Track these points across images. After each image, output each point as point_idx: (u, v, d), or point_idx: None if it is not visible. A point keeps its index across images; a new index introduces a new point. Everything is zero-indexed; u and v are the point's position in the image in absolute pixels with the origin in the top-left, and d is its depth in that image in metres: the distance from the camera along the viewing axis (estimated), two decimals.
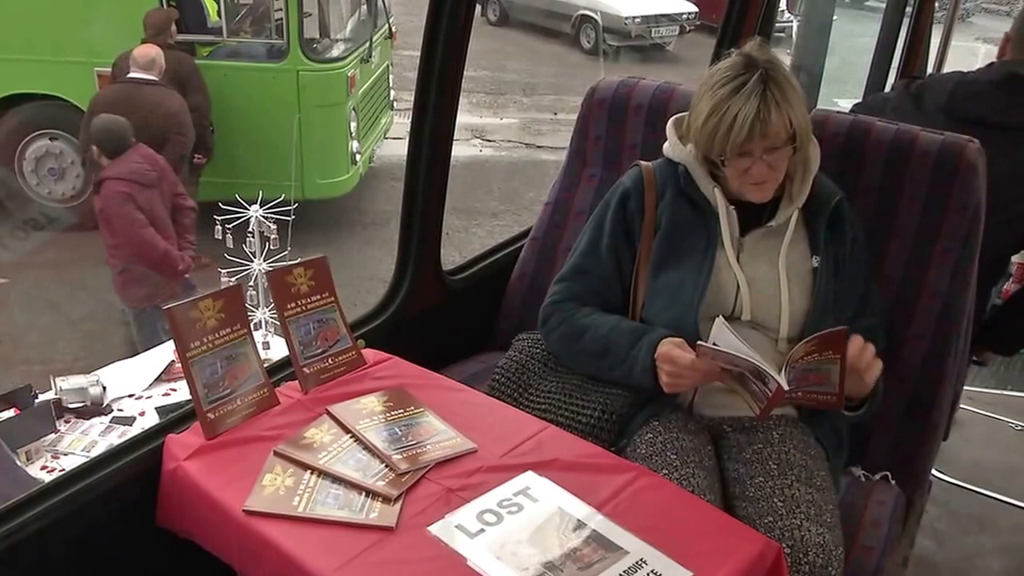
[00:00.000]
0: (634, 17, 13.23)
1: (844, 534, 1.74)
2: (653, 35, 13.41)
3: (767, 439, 1.86)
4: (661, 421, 1.87)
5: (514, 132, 10.14)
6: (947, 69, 3.34)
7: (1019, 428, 3.46)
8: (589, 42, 13.51)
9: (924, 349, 2.05)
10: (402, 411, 1.72)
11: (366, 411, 1.71)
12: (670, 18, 13.50)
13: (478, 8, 14.79)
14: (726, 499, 1.79)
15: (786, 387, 1.65)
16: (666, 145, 2.00)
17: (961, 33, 11.97)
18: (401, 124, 8.13)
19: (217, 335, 1.67)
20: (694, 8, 13.52)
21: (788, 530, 1.65)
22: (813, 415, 1.91)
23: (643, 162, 2.04)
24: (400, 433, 1.65)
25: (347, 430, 1.65)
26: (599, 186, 2.35)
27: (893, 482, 2.05)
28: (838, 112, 2.17)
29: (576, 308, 2.00)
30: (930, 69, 3.76)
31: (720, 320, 1.73)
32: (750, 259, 1.91)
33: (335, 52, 6.86)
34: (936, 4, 3.96)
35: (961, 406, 3.50)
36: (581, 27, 13.64)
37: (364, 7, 7.44)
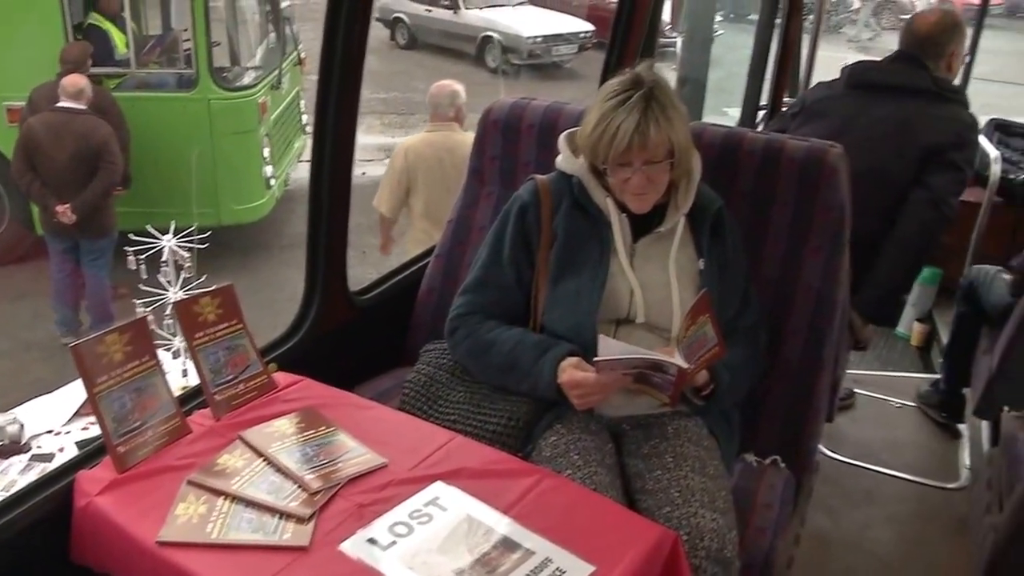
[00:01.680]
0: (534, 37, 13.40)
1: (738, 517, 1.78)
2: (553, 54, 13.58)
3: (663, 434, 1.89)
4: (564, 424, 1.89)
5: None
6: (817, 78, 3.47)
7: (900, 406, 3.58)
8: (493, 62, 13.61)
9: (802, 341, 2.11)
10: (314, 431, 1.70)
11: (278, 434, 1.68)
12: (568, 37, 13.69)
13: (387, 32, 14.84)
14: (628, 494, 1.81)
15: (685, 365, 1.71)
16: (559, 158, 2.02)
17: (832, 43, 12.43)
18: None
19: (125, 368, 1.62)
20: (591, 27, 13.72)
21: (685, 518, 1.68)
22: (705, 409, 1.95)
23: (538, 176, 2.06)
24: (312, 453, 1.63)
25: (259, 454, 1.62)
26: (497, 203, 2.36)
27: (783, 465, 2.10)
28: (713, 125, 2.22)
29: (481, 321, 2.00)
30: (801, 78, 3.89)
31: (601, 336, 1.78)
32: (642, 264, 1.94)
33: (246, 80, 6.74)
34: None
35: (855, 389, 3.63)
36: (485, 48, 13.74)
37: (273, 34, 7.35)
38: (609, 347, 1.75)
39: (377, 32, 14.96)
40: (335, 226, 2.23)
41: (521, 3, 14.66)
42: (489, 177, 2.43)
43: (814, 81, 3.60)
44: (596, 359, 1.73)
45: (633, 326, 1.93)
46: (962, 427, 3.41)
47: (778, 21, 3.83)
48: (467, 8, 14.09)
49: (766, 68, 3.87)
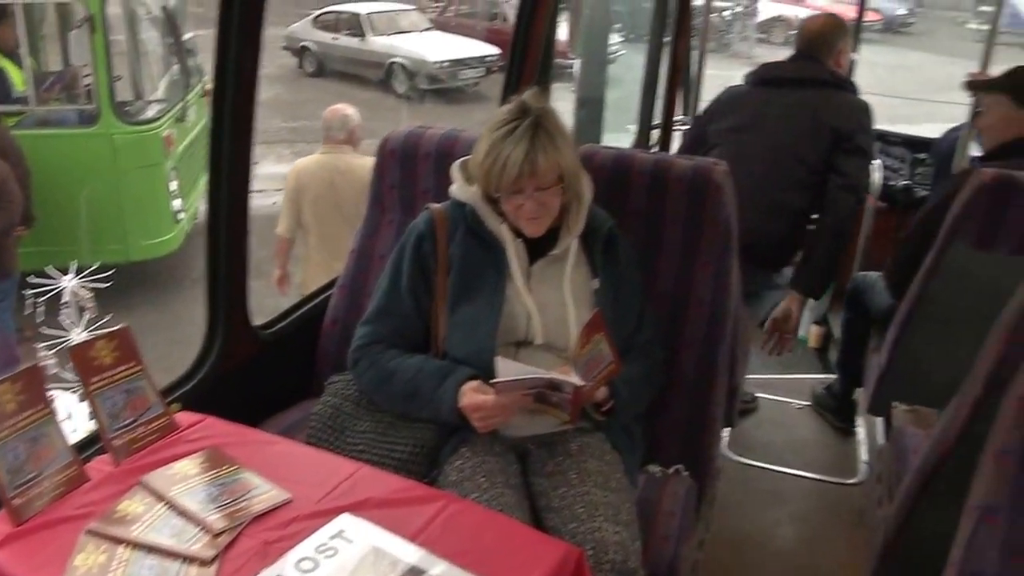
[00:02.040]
0: (440, 62, 13.49)
1: (643, 528, 1.81)
2: (460, 77, 13.67)
3: (567, 451, 1.92)
4: (469, 447, 1.90)
5: None
6: (707, 95, 3.57)
7: (800, 407, 3.69)
8: (402, 87, 13.63)
9: (696, 353, 2.16)
10: (217, 471, 1.66)
11: (180, 476, 1.64)
12: (474, 61, 13.79)
13: (295, 60, 14.71)
14: (535, 512, 1.83)
15: (580, 383, 1.75)
16: (453, 187, 2.04)
17: (723, 62, 12.81)
18: None
19: (18, 418, 1.56)
20: (496, 51, 13.84)
21: (589, 533, 1.70)
22: (606, 424, 1.98)
23: (433, 205, 2.07)
24: (216, 493, 1.60)
25: (161, 498, 1.58)
26: (398, 231, 2.36)
27: (686, 473, 2.15)
28: (604, 147, 2.26)
29: (383, 350, 2.00)
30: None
31: (498, 358, 1.80)
32: (538, 286, 1.97)
33: (149, 113, 6.58)
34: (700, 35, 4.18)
35: (757, 394, 3.72)
36: (392, 73, 13.76)
37: (177, 67, 7.20)
38: (507, 369, 1.77)
39: (285, 60, 14.84)
40: (235, 258, 2.19)
41: (427, 29, 14.73)
42: (389, 205, 2.43)
43: (704, 98, 3.71)
44: (494, 381, 1.75)
45: (533, 348, 1.95)
46: (859, 423, 3.53)
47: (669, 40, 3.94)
48: (373, 35, 14.08)
49: (656, 88, 3.96)
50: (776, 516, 3.03)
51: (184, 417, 1.84)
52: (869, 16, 17.67)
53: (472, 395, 1.84)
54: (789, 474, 3.25)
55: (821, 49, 3.15)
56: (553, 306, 1.96)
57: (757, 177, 2.99)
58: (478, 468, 1.83)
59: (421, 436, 1.95)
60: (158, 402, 1.80)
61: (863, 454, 3.38)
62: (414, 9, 15.39)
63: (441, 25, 15.23)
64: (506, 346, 1.95)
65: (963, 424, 1.73)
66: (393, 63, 13.70)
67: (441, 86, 13.55)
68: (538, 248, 1.99)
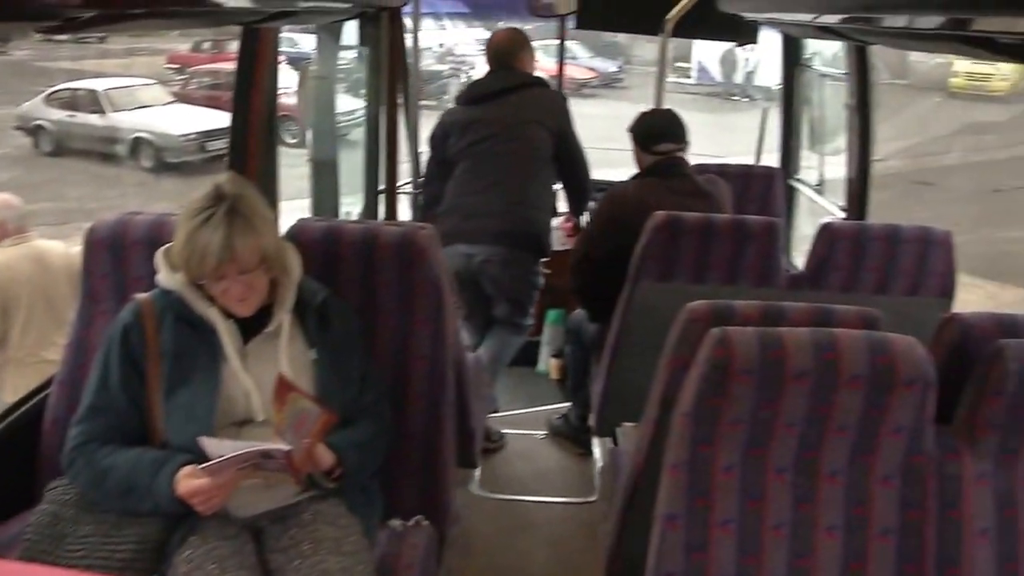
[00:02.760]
0: (187, 134, 12.99)
1: None
2: (208, 148, 13.19)
3: (300, 522, 1.88)
4: (199, 535, 1.82)
5: None
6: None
7: (543, 437, 3.83)
8: (149, 161, 13.02)
9: (423, 405, 2.21)
10: None
11: None
12: (222, 132, 13.34)
13: (29, 139, 13.63)
14: None
15: (288, 447, 1.74)
16: (158, 275, 1.96)
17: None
18: None
19: None
20: None
21: None
22: (340, 489, 1.96)
23: (140, 295, 1.99)
24: None
25: None
26: (113, 320, 2.24)
27: (426, 523, 2.17)
28: (315, 221, 2.27)
29: (97, 448, 1.89)
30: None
31: (203, 438, 1.76)
32: (256, 365, 1.93)
33: None
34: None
35: (504, 430, 3.83)
36: (138, 148, 13.11)
37: None
38: (217, 448, 1.74)
39: (20, 141, 13.73)
40: None
41: (170, 102, 14.15)
42: (102, 295, 2.30)
43: (424, 156, 3.85)
44: (203, 466, 1.71)
45: (255, 425, 1.92)
46: (596, 444, 3.71)
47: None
48: (113, 111, 13.35)
49: (391, 154, 4.01)
50: (529, 544, 3.12)
51: None
52: (589, 74, 19.22)
53: (187, 481, 1.77)
54: (538, 502, 3.36)
55: (506, 59, 3.57)
56: (272, 383, 1.92)
57: (503, 182, 3.42)
58: (208, 555, 1.76)
59: (146, 532, 1.84)
60: None
61: (598, 474, 3.56)
62: (155, 83, 14.77)
63: (184, 98, 14.68)
64: (228, 427, 1.90)
65: (648, 443, 1.88)
66: (137, 138, 13.07)
67: (190, 158, 13.05)
68: (252, 326, 1.95)
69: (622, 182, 3.19)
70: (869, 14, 1.66)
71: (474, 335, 3.73)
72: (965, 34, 1.42)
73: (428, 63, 16.01)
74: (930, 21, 1.53)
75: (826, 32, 2.46)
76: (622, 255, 2.85)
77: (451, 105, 3.70)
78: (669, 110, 3.35)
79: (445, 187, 3.57)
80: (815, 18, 2.18)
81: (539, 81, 3.59)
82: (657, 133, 3.12)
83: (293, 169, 4.26)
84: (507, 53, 3.59)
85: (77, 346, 2.28)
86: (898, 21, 1.68)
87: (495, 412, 3.92)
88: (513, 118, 3.47)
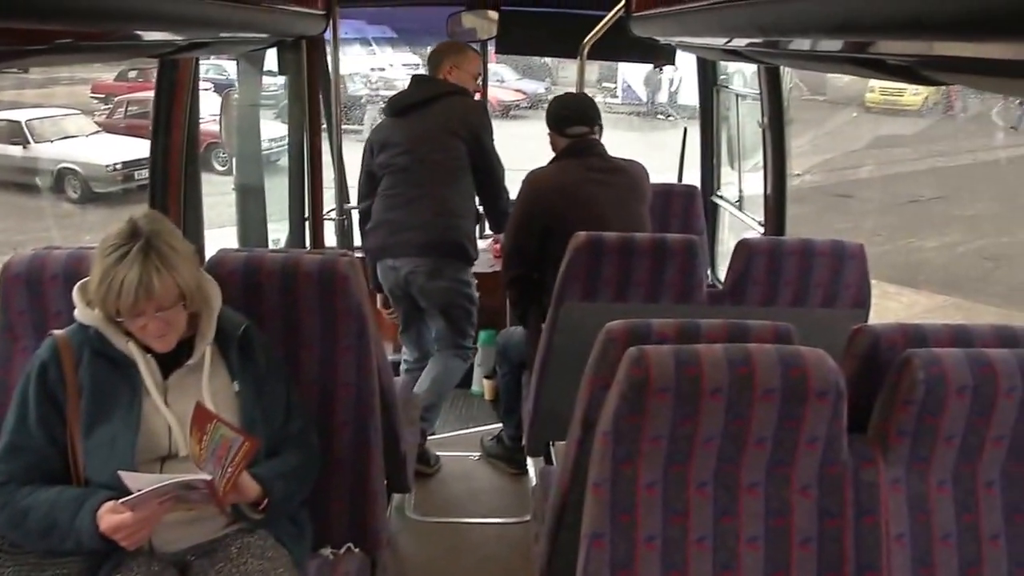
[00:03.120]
0: (114, 164, 12.67)
1: None
2: (137, 177, 12.90)
3: (227, 556, 1.85)
4: (123, 572, 1.78)
5: None
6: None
7: (477, 458, 3.81)
8: (75, 192, 12.65)
9: (351, 432, 2.18)
10: None
11: None
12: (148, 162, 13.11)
13: None
14: None
15: (209, 477, 1.72)
16: (76, 311, 1.91)
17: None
18: None
19: None
20: None
21: None
22: (267, 520, 1.92)
23: (56, 331, 1.93)
24: None
25: None
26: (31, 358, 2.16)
27: (357, 550, 2.14)
28: (234, 251, 2.23)
29: (16, 488, 1.83)
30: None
31: (122, 473, 1.72)
32: (178, 398, 1.90)
33: None
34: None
35: (439, 452, 3.80)
36: (65, 179, 12.73)
37: None
38: (136, 482, 1.70)
39: None
40: None
41: (95, 132, 13.81)
42: (21, 332, 2.23)
43: (352, 184, 3.82)
44: (123, 500, 1.68)
45: (178, 460, 1.88)
46: (530, 463, 3.71)
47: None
48: (37, 142, 12.96)
49: (318, 180, 3.97)
50: (463, 566, 3.10)
51: None
52: (517, 96, 19.38)
53: (109, 517, 1.72)
54: (473, 523, 3.34)
55: (434, 68, 3.59)
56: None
57: (425, 194, 3.39)
58: None
59: (69, 571, 1.80)
60: None
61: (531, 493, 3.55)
62: (78, 113, 14.39)
63: (110, 128, 14.34)
64: (150, 462, 1.86)
65: (573, 463, 1.88)
66: (63, 169, 12.70)
67: (117, 187, 12.74)
68: (172, 360, 1.91)
69: (540, 167, 3.23)
70: (767, 37, 1.71)
71: (413, 349, 3.74)
72: (859, 56, 1.47)
73: (357, 88, 15.97)
74: (827, 45, 1.58)
75: (734, 55, 2.52)
76: (551, 244, 2.96)
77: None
78: (582, 94, 3.45)
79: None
80: (726, 42, 2.23)
81: (458, 90, 3.55)
82: (569, 116, 3.20)
83: (225, 196, 4.19)
84: (432, 64, 3.63)
85: None
86: (799, 45, 1.73)
87: (432, 435, 3.90)
88: (433, 129, 3.46)
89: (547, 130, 3.28)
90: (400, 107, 3.54)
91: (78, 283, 1.94)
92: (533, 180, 3.15)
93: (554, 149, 3.26)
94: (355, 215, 4.16)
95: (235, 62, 4.08)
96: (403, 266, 3.46)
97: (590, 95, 3.53)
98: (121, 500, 1.67)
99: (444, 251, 3.44)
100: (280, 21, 2.52)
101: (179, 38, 1.97)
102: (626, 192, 3.14)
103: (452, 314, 3.55)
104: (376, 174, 3.52)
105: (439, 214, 3.42)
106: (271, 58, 3.59)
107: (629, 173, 3.18)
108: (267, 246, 3.79)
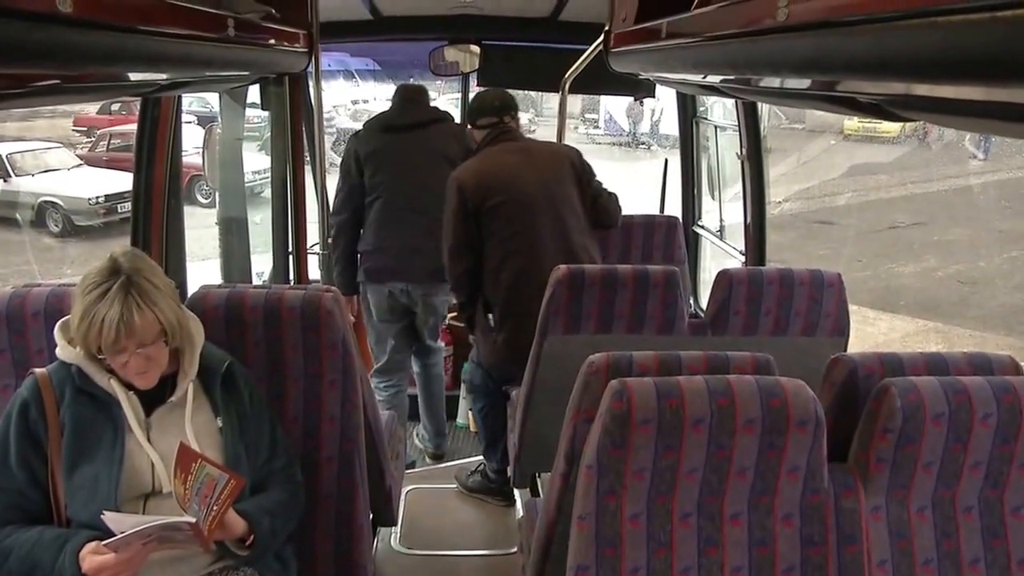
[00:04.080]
0: (97, 197, 12.65)
1: None
2: (120, 211, 12.86)
3: None
4: None
5: None
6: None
7: (463, 491, 3.79)
8: (57, 226, 12.60)
9: (336, 467, 2.18)
10: None
11: None
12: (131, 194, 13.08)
13: None
14: None
15: (194, 519, 1.70)
16: (57, 349, 1.90)
17: None
18: None
19: None
20: None
21: None
22: (253, 556, 1.91)
23: (37, 370, 1.92)
24: None
25: None
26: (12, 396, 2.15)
27: None
28: (216, 287, 2.23)
29: None
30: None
31: (106, 514, 1.71)
32: (161, 435, 1.89)
33: None
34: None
35: (425, 485, 3.78)
36: (46, 213, 12.67)
37: None
38: (120, 523, 1.69)
39: None
40: None
41: (77, 166, 13.78)
42: (2, 371, 2.22)
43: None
44: (107, 542, 1.66)
45: (161, 497, 1.86)
46: (517, 495, 3.70)
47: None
48: (17, 176, 12.92)
49: (299, 214, 3.97)
50: None
51: None
52: None
53: (92, 558, 1.71)
54: (460, 555, 3.32)
55: (419, 94, 3.77)
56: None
57: (427, 218, 3.50)
58: None
59: None
60: None
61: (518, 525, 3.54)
62: (60, 147, 14.37)
63: (92, 161, 14.32)
64: (133, 500, 1.84)
65: (558, 497, 1.89)
66: (44, 202, 12.65)
67: (100, 221, 12.70)
68: (155, 396, 1.90)
69: (461, 164, 3.41)
70: (740, 75, 1.74)
71: (396, 367, 3.89)
72: (830, 94, 1.50)
73: (342, 121, 16.04)
74: (799, 82, 1.62)
75: (711, 90, 2.56)
76: (486, 225, 3.16)
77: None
78: (495, 90, 3.61)
79: (357, 215, 3.68)
80: (702, 78, 2.27)
81: (448, 116, 3.75)
82: (478, 109, 3.41)
83: (208, 229, 4.19)
84: (417, 90, 3.78)
85: None
86: (772, 82, 1.77)
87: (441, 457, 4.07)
88: (432, 153, 3.61)
89: (469, 132, 3.53)
90: (391, 125, 3.66)
91: (59, 321, 1.93)
92: (457, 175, 3.28)
93: (473, 142, 3.48)
94: None
95: (218, 95, 4.11)
96: (414, 289, 3.67)
97: (572, 126, 3.59)
98: (105, 542, 1.66)
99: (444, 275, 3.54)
100: (263, 59, 2.55)
101: (162, 77, 1.98)
102: (544, 161, 3.29)
103: (436, 322, 3.84)
104: (362, 190, 3.63)
105: (425, 239, 3.54)
106: (253, 91, 3.61)
107: (552, 147, 3.48)
108: (251, 280, 3.79)
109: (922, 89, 1.12)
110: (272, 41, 2.45)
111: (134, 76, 1.76)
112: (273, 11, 2.47)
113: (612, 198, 3.38)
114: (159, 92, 2.13)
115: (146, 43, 1.48)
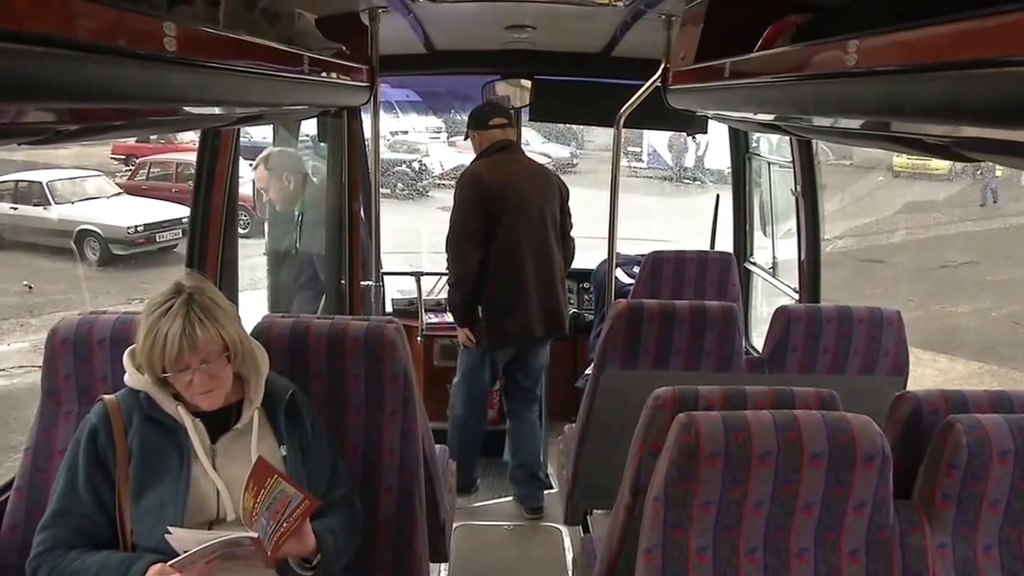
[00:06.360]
0: (135, 226, 12.99)
1: None
2: (158, 240, 13.20)
3: None
4: None
5: (24, 357, 9.13)
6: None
7: (510, 527, 3.84)
8: (95, 254, 12.96)
9: (396, 497, 2.24)
10: None
11: None
12: (171, 223, 13.36)
13: None
14: None
15: (256, 534, 1.77)
16: (126, 376, 2.00)
17: (424, 205, 13.18)
18: None
19: None
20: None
21: None
22: None
23: (106, 396, 2.02)
24: None
25: None
26: (78, 423, 2.24)
27: None
28: (281, 317, 2.33)
29: (63, 554, 1.89)
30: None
31: (170, 532, 1.79)
32: (226, 462, 1.97)
33: None
34: None
35: (469, 522, 3.84)
36: (84, 241, 13.04)
37: None
38: (183, 540, 1.77)
39: None
40: None
41: (116, 194, 14.16)
42: (66, 397, 2.31)
43: (387, 250, 3.95)
44: (173, 561, 1.74)
45: (226, 524, 1.94)
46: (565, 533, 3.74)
47: None
48: (57, 203, 13.31)
49: (348, 247, 4.07)
50: None
51: None
52: (542, 160, 19.65)
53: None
54: None
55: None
56: (242, 481, 1.94)
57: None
58: None
59: None
60: None
61: (570, 563, 3.57)
62: (100, 175, 14.78)
63: (131, 189, 14.71)
64: (198, 525, 1.92)
65: (621, 530, 1.94)
66: (83, 231, 13.02)
67: (139, 250, 13.03)
68: (221, 424, 1.99)
69: (468, 166, 3.84)
70: (804, 115, 1.81)
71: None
72: (896, 134, 1.56)
73: (383, 152, 16.31)
74: (858, 122, 1.68)
75: (768, 127, 2.63)
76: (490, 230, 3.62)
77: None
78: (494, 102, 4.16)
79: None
80: (763, 116, 2.34)
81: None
82: (490, 112, 3.87)
83: (246, 259, 4.32)
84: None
85: (36, 450, 2.26)
86: (836, 121, 1.83)
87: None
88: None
89: (472, 136, 3.88)
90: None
91: (128, 349, 2.03)
92: (471, 173, 3.73)
93: (477, 148, 3.85)
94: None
95: (272, 128, 4.26)
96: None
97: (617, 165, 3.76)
98: (169, 562, 1.74)
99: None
100: (326, 93, 2.66)
101: (231, 113, 2.09)
102: (543, 180, 3.88)
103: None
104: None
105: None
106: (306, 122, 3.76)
107: (542, 169, 4.01)
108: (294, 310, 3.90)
109: (994, 133, 1.18)
110: (338, 76, 2.56)
111: (220, 110, 1.87)
112: (343, 48, 2.59)
113: (572, 240, 3.98)
114: (235, 125, 2.25)
115: (235, 80, 1.59)
